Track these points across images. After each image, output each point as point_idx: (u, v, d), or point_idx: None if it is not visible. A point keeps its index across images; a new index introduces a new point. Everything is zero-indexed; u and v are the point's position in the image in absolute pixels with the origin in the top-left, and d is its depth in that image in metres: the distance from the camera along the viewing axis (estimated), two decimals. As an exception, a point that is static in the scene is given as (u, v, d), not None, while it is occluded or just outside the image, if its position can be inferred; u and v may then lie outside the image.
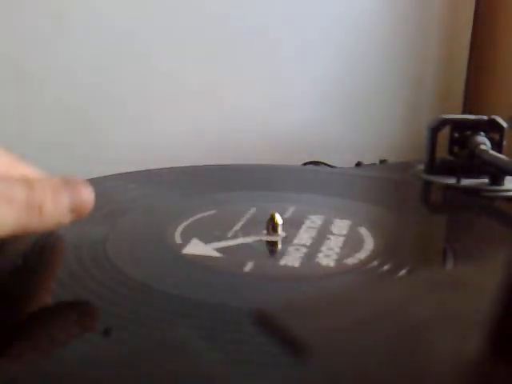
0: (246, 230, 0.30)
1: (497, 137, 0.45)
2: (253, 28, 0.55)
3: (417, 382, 0.13)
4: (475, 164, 0.44)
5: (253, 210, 0.34)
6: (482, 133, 0.45)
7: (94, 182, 0.40)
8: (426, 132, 0.46)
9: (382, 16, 0.62)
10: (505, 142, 0.45)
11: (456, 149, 0.46)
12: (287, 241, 0.29)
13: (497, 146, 0.44)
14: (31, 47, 0.46)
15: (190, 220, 0.32)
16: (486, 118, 0.45)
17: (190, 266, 0.26)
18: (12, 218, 0.19)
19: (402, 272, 0.25)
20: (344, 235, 0.30)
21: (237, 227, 0.31)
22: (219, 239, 0.29)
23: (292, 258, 0.27)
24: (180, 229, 0.31)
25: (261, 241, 0.29)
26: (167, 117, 0.53)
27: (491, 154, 0.42)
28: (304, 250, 0.28)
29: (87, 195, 0.23)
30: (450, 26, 0.67)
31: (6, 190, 0.19)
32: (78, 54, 0.47)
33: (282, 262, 0.26)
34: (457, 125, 0.46)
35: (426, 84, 0.68)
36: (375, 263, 0.26)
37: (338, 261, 0.26)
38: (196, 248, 0.28)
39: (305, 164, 0.54)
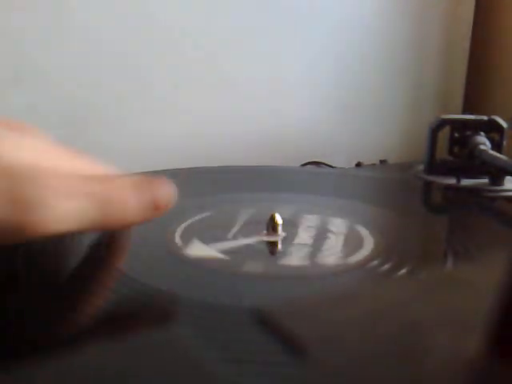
0: (246, 231, 0.30)
1: (497, 137, 0.45)
2: (253, 28, 0.55)
3: (417, 381, 0.13)
4: (475, 164, 0.44)
5: (253, 211, 0.34)
6: (482, 133, 0.45)
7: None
8: (426, 132, 0.46)
9: (382, 17, 0.62)
10: (505, 142, 0.45)
11: (456, 149, 0.46)
12: (287, 241, 0.29)
13: (497, 146, 0.44)
14: (31, 47, 0.46)
15: (190, 221, 0.32)
16: (485, 118, 0.45)
17: (189, 266, 0.26)
18: (93, 212, 0.19)
19: (402, 272, 0.25)
20: (344, 235, 0.30)
21: (237, 228, 0.31)
22: (219, 240, 0.29)
23: (292, 258, 0.27)
24: (180, 229, 0.31)
25: (261, 241, 0.29)
26: (166, 118, 0.53)
27: (491, 154, 0.42)
28: (304, 249, 0.28)
29: (167, 192, 0.23)
30: (450, 27, 0.67)
31: (86, 186, 0.19)
32: (78, 54, 0.47)
33: (283, 262, 0.26)
34: (457, 125, 0.46)
35: (426, 84, 0.68)
36: (375, 263, 0.26)
37: (338, 260, 0.26)
38: (197, 249, 0.28)
39: (305, 164, 0.54)
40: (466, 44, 0.69)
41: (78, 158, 0.23)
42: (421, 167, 0.47)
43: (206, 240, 0.29)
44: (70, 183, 0.19)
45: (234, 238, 0.29)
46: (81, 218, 0.19)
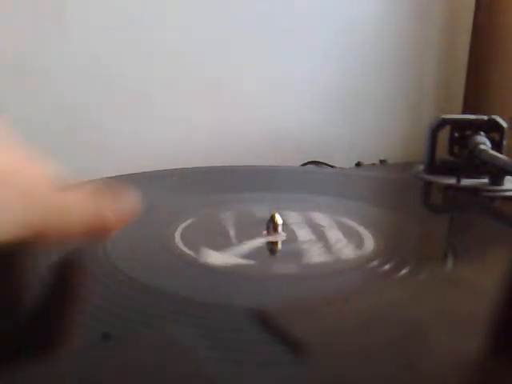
0: (245, 231, 0.30)
1: (497, 137, 0.45)
2: (253, 29, 0.55)
3: (417, 381, 0.13)
4: (475, 164, 0.44)
5: (253, 211, 0.34)
6: (482, 133, 0.45)
7: (95, 184, 0.40)
8: (426, 132, 0.46)
9: (383, 17, 0.62)
10: (505, 142, 0.45)
11: (456, 149, 0.46)
12: (287, 241, 0.29)
13: (497, 146, 0.44)
14: (31, 47, 0.46)
15: (190, 221, 0.32)
16: (485, 117, 0.45)
17: (189, 266, 0.26)
18: (33, 219, 0.19)
19: (402, 271, 0.25)
20: (344, 235, 0.30)
21: (237, 228, 0.31)
22: (228, 245, 0.28)
23: (291, 258, 0.27)
24: (180, 229, 0.31)
25: (261, 241, 0.29)
26: (167, 118, 0.53)
27: (491, 154, 0.42)
28: (304, 249, 0.28)
29: (122, 204, 0.23)
30: (450, 27, 0.67)
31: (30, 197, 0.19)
32: (78, 53, 0.47)
33: (282, 262, 0.26)
34: (457, 125, 0.46)
35: (426, 84, 0.68)
36: (375, 263, 0.26)
37: (338, 260, 0.26)
38: (214, 258, 0.27)
39: (305, 164, 0.54)
40: (466, 44, 0.69)
41: (27, 160, 0.22)
42: (421, 167, 0.47)
43: (213, 245, 0.28)
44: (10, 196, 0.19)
45: (239, 241, 0.29)
46: (19, 225, 0.18)
